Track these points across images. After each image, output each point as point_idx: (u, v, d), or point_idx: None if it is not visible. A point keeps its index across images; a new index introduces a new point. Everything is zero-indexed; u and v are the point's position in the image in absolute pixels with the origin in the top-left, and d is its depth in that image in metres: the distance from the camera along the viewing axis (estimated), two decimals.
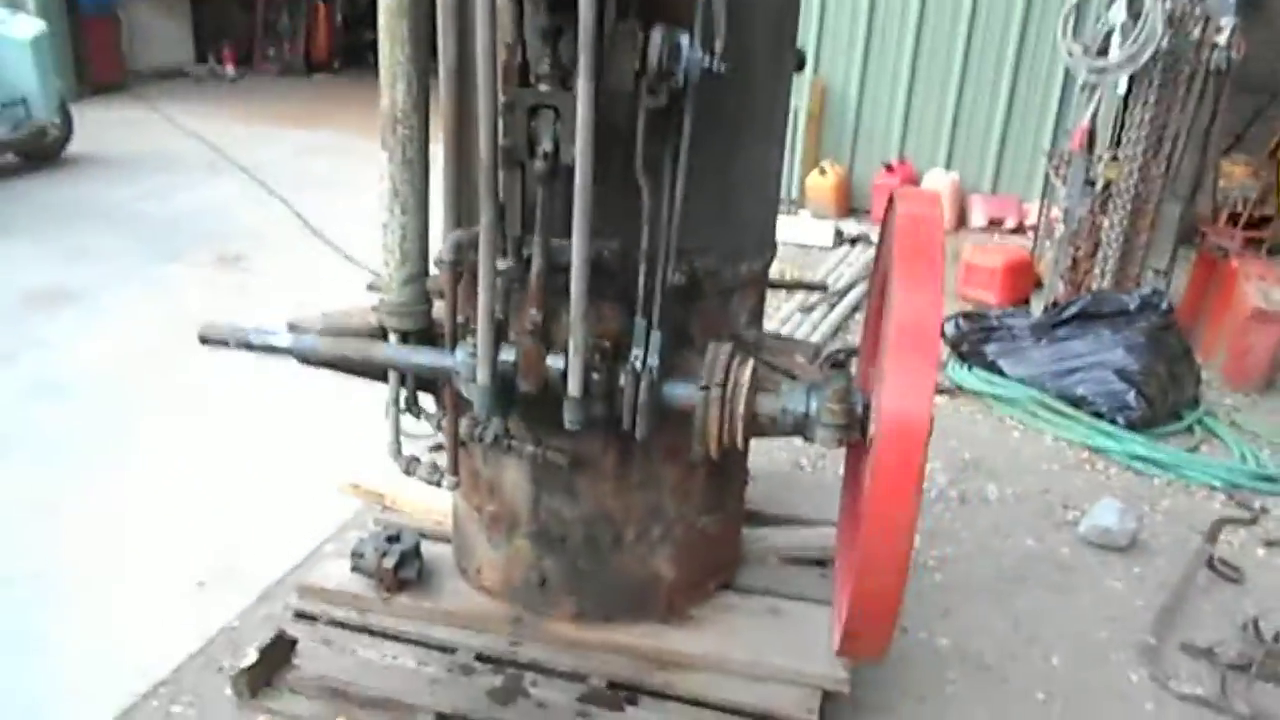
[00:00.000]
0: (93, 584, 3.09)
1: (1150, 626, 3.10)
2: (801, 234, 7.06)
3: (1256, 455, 4.30)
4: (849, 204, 7.92)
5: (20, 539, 3.29)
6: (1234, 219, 7.36)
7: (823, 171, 7.78)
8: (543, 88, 1.94)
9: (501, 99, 1.94)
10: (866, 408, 2.08)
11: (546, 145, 1.95)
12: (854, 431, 2.08)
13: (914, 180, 7.69)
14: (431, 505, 3.14)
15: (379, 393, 2.60)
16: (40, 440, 3.91)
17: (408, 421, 2.58)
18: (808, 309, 5.58)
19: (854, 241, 7.12)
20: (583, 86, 1.86)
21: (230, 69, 12.90)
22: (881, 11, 7.76)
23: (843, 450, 2.48)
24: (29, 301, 5.23)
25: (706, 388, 2.12)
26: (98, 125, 9.06)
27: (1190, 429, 4.50)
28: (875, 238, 6.94)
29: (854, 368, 2.88)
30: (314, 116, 10.98)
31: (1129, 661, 2.98)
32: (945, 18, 7.62)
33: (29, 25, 7.53)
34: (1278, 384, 5.09)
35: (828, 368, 2.33)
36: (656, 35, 1.87)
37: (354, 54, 14.46)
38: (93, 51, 10.75)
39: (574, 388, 2.10)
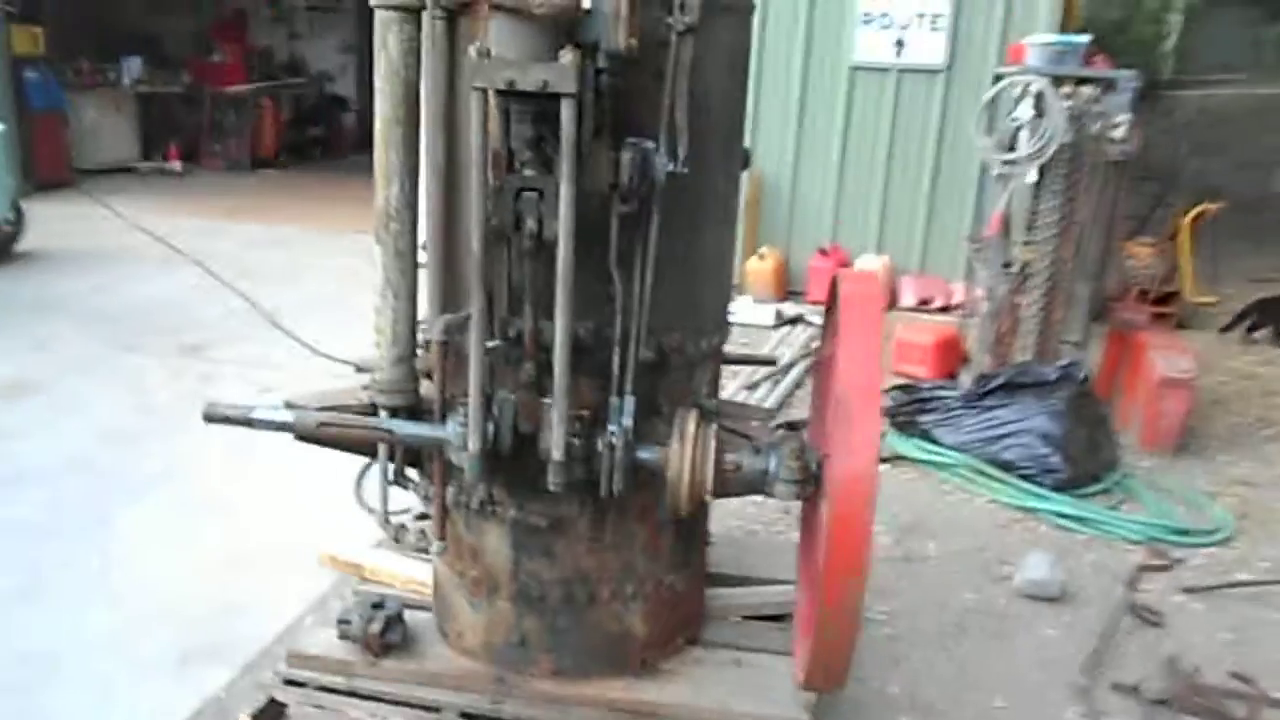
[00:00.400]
0: (80, 663, 3.17)
1: (1082, 668, 3.36)
2: (744, 315, 7.42)
3: (1171, 512, 4.64)
4: (786, 287, 8.32)
5: (7, 626, 3.36)
6: (1143, 295, 7.94)
7: (761, 257, 8.19)
8: (527, 173, 2.21)
9: (491, 183, 2.21)
10: (819, 464, 2.34)
11: (531, 223, 2.22)
12: (810, 485, 2.33)
13: (846, 263, 8.13)
14: (408, 575, 3.30)
15: (348, 470, 2.79)
16: (15, 527, 3.98)
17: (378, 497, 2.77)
18: (752, 386, 5.88)
19: (793, 322, 7.50)
20: (564, 189, 2.14)
21: (177, 165, 13.09)
22: (811, 108, 8.31)
23: (792, 517, 2.73)
24: None
25: (677, 450, 2.36)
26: (47, 221, 9.15)
27: (1110, 489, 4.84)
28: (811, 318, 7.34)
29: (804, 434, 3.15)
30: (260, 210, 11.19)
31: (1064, 700, 3.23)
32: (870, 114, 8.19)
33: None
34: (1189, 446, 5.49)
35: (784, 430, 2.58)
36: (628, 155, 2.17)
37: (298, 150, 14.81)
38: (40, 149, 10.86)
39: (557, 453, 2.32)
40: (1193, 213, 7.99)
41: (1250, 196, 14.63)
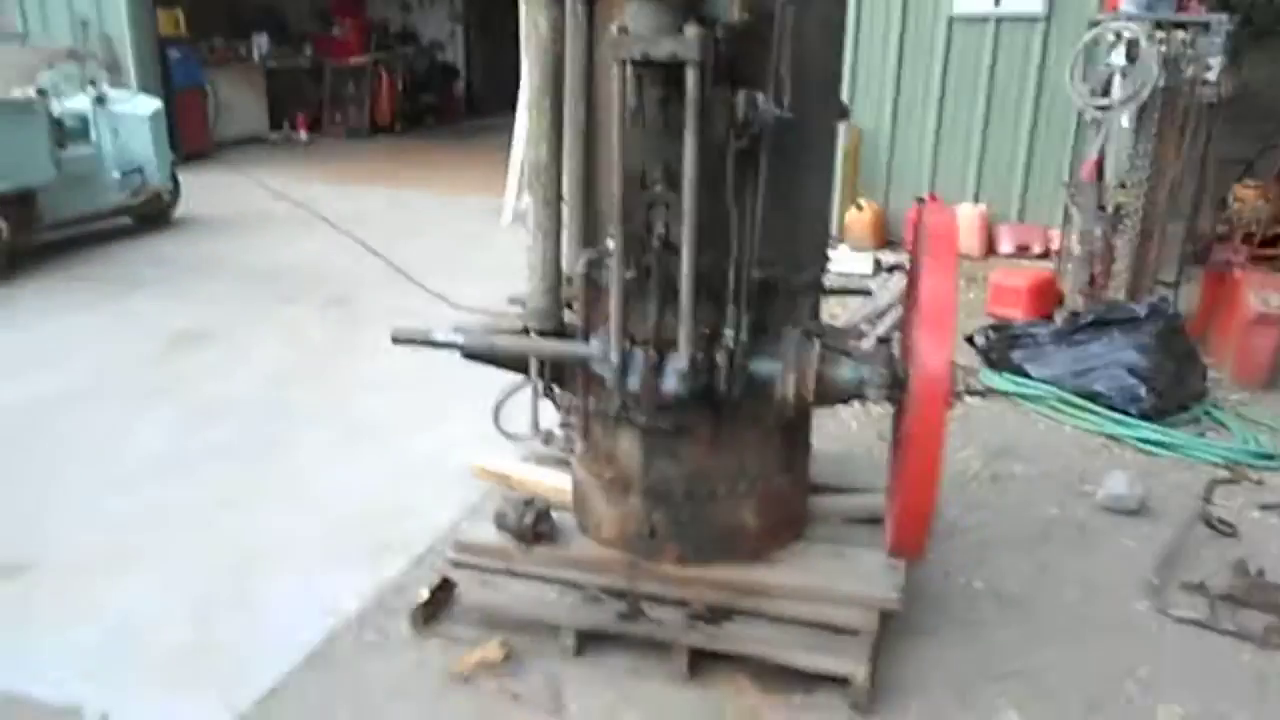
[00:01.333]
0: (281, 555, 3.80)
1: (1154, 569, 3.69)
2: (843, 264, 7.74)
3: (1257, 438, 4.86)
4: (885, 236, 8.61)
5: (219, 527, 4.01)
6: (1248, 238, 7.97)
7: (860, 208, 8.48)
8: (656, 189, 2.66)
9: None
10: (907, 372, 2.74)
11: (660, 229, 2.69)
12: (898, 389, 2.74)
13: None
14: (549, 483, 3.83)
15: (486, 401, 3.30)
16: (214, 451, 4.65)
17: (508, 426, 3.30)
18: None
19: (891, 270, 7.77)
20: (689, 144, 2.58)
21: (303, 134, 13.95)
22: (910, 60, 8.53)
23: (887, 444, 3.11)
24: (176, 341, 6.06)
25: (784, 361, 2.80)
26: (194, 189, 9.96)
27: (1197, 419, 5.07)
28: (908, 268, 7.61)
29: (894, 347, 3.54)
30: (380, 175, 11.93)
31: (1135, 596, 3.57)
32: (969, 65, 8.37)
33: (148, 103, 8.51)
34: None
35: (875, 345, 2.99)
36: (740, 97, 2.59)
37: (413, 117, 15.55)
38: (184, 122, 11.77)
39: (683, 363, 2.78)
40: None
41: None
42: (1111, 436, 4.84)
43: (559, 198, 3.04)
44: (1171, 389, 5.03)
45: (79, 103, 8.25)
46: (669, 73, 2.57)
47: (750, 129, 2.61)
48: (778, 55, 2.66)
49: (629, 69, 2.59)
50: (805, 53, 2.76)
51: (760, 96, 2.62)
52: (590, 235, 3.02)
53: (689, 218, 2.65)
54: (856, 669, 2.95)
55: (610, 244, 2.83)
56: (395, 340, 3.12)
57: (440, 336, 3.07)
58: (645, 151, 2.68)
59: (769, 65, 2.66)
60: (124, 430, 4.88)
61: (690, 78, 2.52)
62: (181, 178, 9.44)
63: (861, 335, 3.21)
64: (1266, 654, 3.25)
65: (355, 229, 8.86)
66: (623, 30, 2.55)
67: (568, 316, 3.14)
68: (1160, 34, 5.64)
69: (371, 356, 5.82)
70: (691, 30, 2.48)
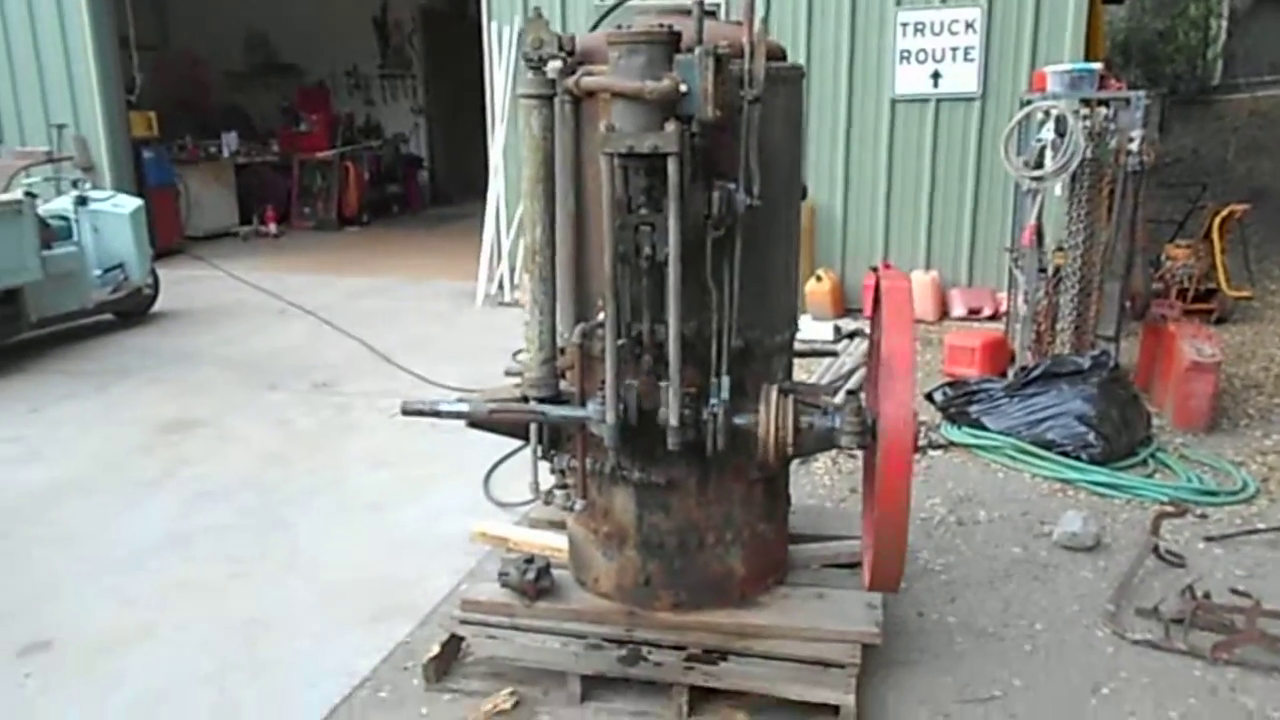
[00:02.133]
0: (293, 621, 3.98)
1: (1111, 598, 3.99)
2: (804, 332, 8.10)
3: (1200, 477, 5.22)
4: (844, 305, 9.02)
5: (228, 599, 4.19)
6: (1181, 294, 8.50)
7: (819, 278, 8.91)
8: (643, 212, 2.99)
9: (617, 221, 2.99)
10: (875, 419, 3.05)
11: (647, 249, 2.99)
12: (867, 436, 3.04)
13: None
14: (545, 542, 4.07)
15: (473, 475, 3.51)
16: (215, 530, 4.83)
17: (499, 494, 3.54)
18: None
19: (851, 336, 8.16)
20: (672, 223, 2.91)
21: (272, 227, 14.23)
22: (857, 138, 9.08)
23: (860, 495, 3.39)
24: (165, 430, 6.22)
25: (764, 415, 3.10)
26: (170, 283, 10.19)
27: (1145, 462, 5.43)
28: (869, 330, 8.00)
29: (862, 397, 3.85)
30: (352, 264, 12.21)
31: (1095, 623, 3.86)
32: (912, 141, 8.93)
33: (128, 202, 8.77)
34: (1221, 424, 6.04)
35: (845, 397, 3.30)
36: (716, 193, 2.94)
37: (380, 207, 15.91)
38: (158, 220, 11.99)
39: (674, 420, 3.07)
40: (1222, 214, 8.53)
41: None
42: (1066, 481, 5.18)
43: (554, 276, 3.35)
44: (1118, 434, 5.39)
45: (61, 203, 8.51)
46: (652, 164, 2.91)
47: (726, 220, 2.95)
48: (746, 148, 3.02)
49: (616, 161, 2.93)
50: (770, 143, 3.12)
51: (733, 188, 2.97)
52: (582, 309, 3.33)
53: (673, 291, 2.97)
54: (844, 698, 3.20)
55: (602, 316, 3.14)
56: (405, 412, 3.37)
57: (447, 407, 3.33)
58: (633, 234, 3.00)
59: (739, 156, 3.02)
60: (123, 515, 5.04)
61: (671, 167, 2.86)
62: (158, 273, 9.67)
63: (834, 391, 3.51)
64: (1216, 669, 3.54)
65: (331, 317, 9.13)
66: (610, 128, 2.89)
67: (562, 384, 3.42)
68: (1085, 110, 6.14)
69: (358, 437, 6.06)
70: (671, 126, 2.83)
